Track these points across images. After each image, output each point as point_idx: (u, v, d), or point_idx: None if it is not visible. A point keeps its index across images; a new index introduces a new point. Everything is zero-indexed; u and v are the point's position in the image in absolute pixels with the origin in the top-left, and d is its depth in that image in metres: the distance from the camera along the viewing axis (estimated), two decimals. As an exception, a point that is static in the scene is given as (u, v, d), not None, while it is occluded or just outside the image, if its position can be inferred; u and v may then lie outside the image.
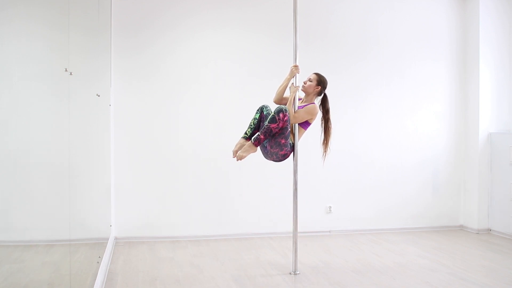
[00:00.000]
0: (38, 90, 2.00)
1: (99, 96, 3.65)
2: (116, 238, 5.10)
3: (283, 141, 3.86)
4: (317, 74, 4.11)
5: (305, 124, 4.03)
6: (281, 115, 3.77)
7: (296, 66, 4.02)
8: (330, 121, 4.15)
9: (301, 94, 4.20)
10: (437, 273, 4.08)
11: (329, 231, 5.58)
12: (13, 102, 1.76)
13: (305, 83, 4.10)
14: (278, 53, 5.35)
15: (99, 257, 3.64)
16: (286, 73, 4.11)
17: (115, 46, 5.10)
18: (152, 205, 5.19)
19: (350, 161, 5.63)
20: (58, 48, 2.29)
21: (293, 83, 4.05)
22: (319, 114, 4.14)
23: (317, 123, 4.18)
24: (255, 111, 4.11)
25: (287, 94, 4.14)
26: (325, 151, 4.14)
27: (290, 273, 4.05)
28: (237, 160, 3.97)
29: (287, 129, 3.85)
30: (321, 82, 4.08)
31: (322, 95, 4.15)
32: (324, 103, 4.15)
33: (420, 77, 5.83)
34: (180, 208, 5.25)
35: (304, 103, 4.10)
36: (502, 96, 5.77)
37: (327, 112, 4.15)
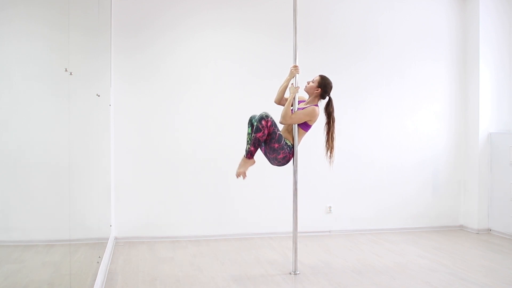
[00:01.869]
0: (38, 90, 2.00)
1: (99, 96, 3.65)
2: (116, 238, 5.10)
3: (276, 145, 3.85)
4: (321, 76, 4.06)
5: (305, 126, 4.00)
6: (263, 122, 3.75)
7: (295, 67, 4.00)
8: (333, 129, 4.04)
9: (305, 95, 4.20)
10: (437, 273, 4.08)
11: (329, 231, 5.58)
12: (13, 102, 1.76)
13: (308, 83, 4.08)
14: (278, 53, 5.35)
15: (99, 257, 3.64)
16: (286, 73, 4.10)
17: (115, 46, 5.10)
18: (152, 205, 5.19)
19: (350, 161, 5.63)
20: (58, 48, 2.29)
21: (292, 84, 4.04)
22: (323, 119, 4.10)
23: (319, 126, 4.17)
24: (247, 125, 4.04)
25: (287, 94, 4.12)
26: (330, 162, 4.06)
27: (290, 273, 4.05)
28: (237, 177, 3.98)
29: (275, 133, 3.82)
30: (321, 84, 4.01)
31: (327, 99, 4.08)
32: (327, 107, 4.07)
33: (420, 77, 5.83)
34: (180, 208, 5.25)
35: (307, 104, 4.07)
36: (502, 96, 5.76)
37: (329, 116, 4.05)
